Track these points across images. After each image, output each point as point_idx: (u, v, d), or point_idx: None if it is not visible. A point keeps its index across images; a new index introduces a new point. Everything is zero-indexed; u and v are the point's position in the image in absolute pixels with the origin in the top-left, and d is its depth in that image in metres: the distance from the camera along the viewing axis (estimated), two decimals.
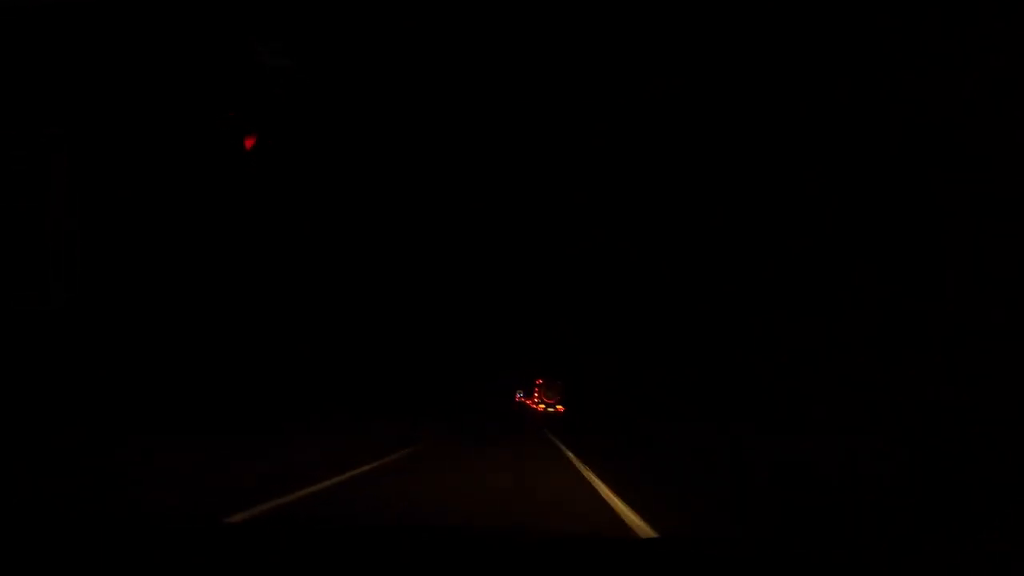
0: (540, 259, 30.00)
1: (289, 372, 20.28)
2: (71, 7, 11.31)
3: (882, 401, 11.26)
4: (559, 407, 49.98)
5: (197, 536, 2.62)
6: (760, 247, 15.19)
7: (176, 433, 12.49)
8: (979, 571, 4.95)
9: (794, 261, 13.88)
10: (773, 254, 14.72)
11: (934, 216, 10.02)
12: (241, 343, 17.93)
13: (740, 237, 15.90)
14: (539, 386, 53.24)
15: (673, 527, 6.13)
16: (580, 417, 38.54)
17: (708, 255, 17.98)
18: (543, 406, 51.20)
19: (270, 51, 12.97)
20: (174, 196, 15.15)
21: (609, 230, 22.32)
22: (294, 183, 18.24)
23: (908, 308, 10.70)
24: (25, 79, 11.78)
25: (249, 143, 13.92)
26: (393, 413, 25.41)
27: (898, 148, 10.35)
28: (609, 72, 13.78)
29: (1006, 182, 8.78)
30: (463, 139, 18.19)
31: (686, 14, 11.71)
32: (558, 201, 22.14)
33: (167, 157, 14.61)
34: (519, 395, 65.91)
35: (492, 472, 10.61)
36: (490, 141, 18.15)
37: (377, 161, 19.42)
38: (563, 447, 14.92)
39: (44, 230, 12.06)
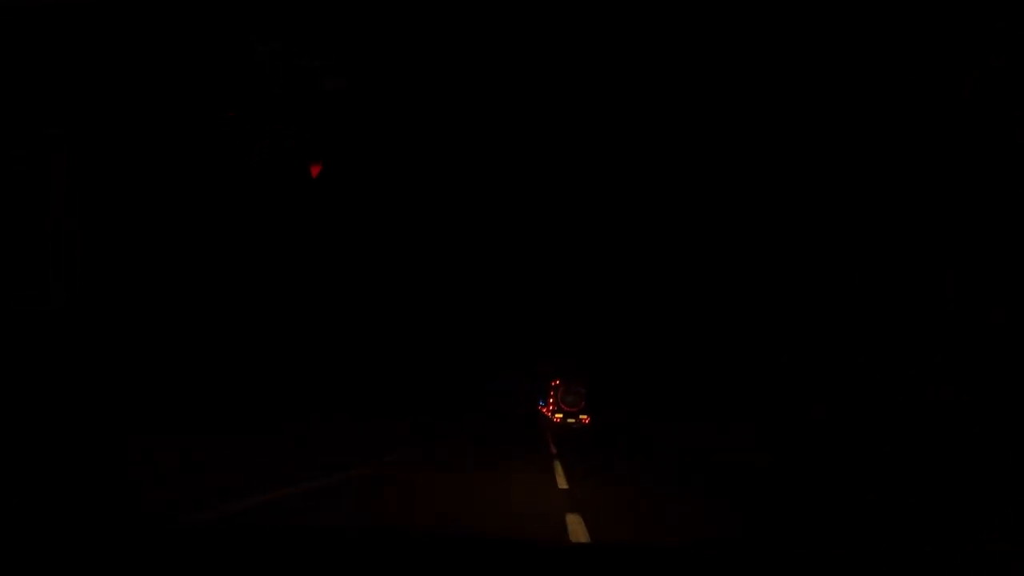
0: (539, 259, 29.98)
1: (289, 372, 20.28)
2: (71, 7, 11.32)
3: (882, 401, 11.27)
4: (583, 416, 38.54)
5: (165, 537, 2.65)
6: (761, 247, 15.19)
7: (176, 433, 12.48)
8: (979, 571, 4.95)
9: (794, 261, 13.88)
10: (773, 254, 14.72)
11: (934, 216, 10.03)
12: (241, 343, 17.93)
13: (741, 237, 15.89)
14: (556, 389, 40.44)
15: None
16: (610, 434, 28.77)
17: (709, 255, 17.97)
18: (560, 415, 38.67)
19: (317, 69, 13.04)
20: (174, 196, 15.14)
21: (609, 230, 22.32)
22: (292, 182, 18.24)
23: (908, 308, 10.70)
24: (25, 79, 11.78)
25: (316, 171, 14.04)
26: (392, 414, 25.42)
27: (898, 148, 10.35)
28: (609, 72, 13.77)
29: (1006, 182, 8.78)
30: (463, 140, 18.18)
31: (686, 14, 11.71)
32: (558, 200, 22.12)
33: (166, 157, 14.61)
34: (539, 405, 55.31)
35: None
36: (490, 141, 18.14)
37: (375, 159, 19.41)
38: None
39: (44, 230, 12.07)
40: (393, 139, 18.20)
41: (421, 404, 31.35)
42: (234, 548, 2.40)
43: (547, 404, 46.90)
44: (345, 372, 25.37)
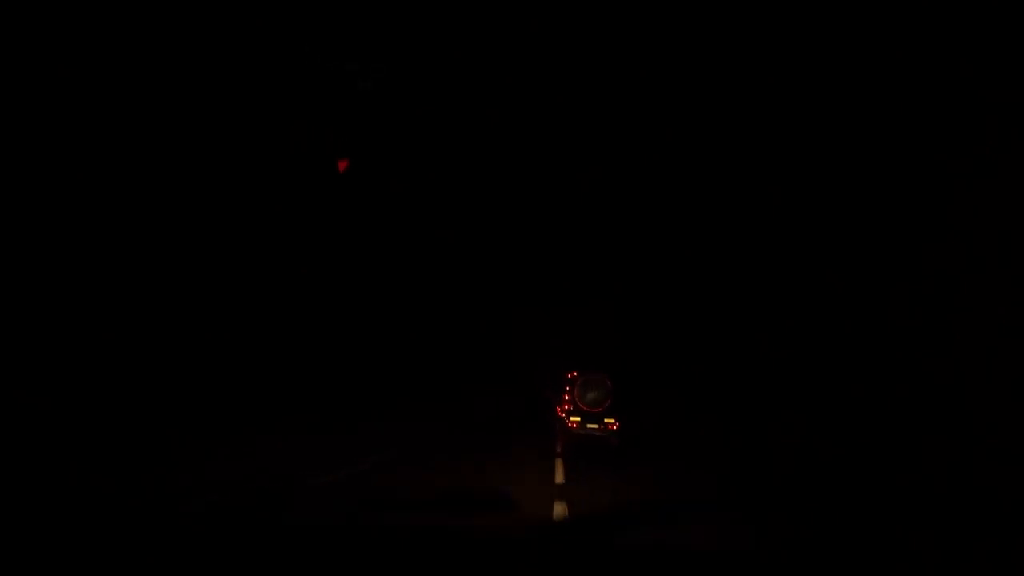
0: (538, 259, 29.94)
1: (284, 369, 20.25)
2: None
3: (884, 400, 11.27)
4: (609, 420, 27.46)
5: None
6: (769, 252, 15.15)
7: (184, 432, 12.51)
8: (979, 571, 4.96)
9: (805, 263, 13.83)
10: (783, 258, 14.67)
11: (939, 217, 10.03)
12: (241, 343, 17.95)
13: (749, 240, 15.85)
14: (572, 383, 27.12)
15: None
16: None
17: (713, 254, 17.93)
18: (578, 419, 27.71)
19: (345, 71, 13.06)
20: (183, 197, 15.13)
21: (616, 230, 22.25)
22: (294, 179, 18.23)
23: (912, 308, 10.71)
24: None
25: (342, 166, 14.06)
26: (382, 417, 25.32)
27: (905, 150, 10.35)
28: (613, 74, 13.75)
29: (1006, 181, 8.78)
30: (464, 138, 18.18)
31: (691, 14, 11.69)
32: (560, 196, 22.07)
33: (174, 156, 14.61)
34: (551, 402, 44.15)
35: None
36: (502, 135, 18.06)
37: (375, 155, 19.36)
38: None
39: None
40: (393, 135, 18.17)
41: (418, 405, 30.92)
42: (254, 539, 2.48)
43: (561, 403, 31.07)
44: (349, 371, 25.30)
